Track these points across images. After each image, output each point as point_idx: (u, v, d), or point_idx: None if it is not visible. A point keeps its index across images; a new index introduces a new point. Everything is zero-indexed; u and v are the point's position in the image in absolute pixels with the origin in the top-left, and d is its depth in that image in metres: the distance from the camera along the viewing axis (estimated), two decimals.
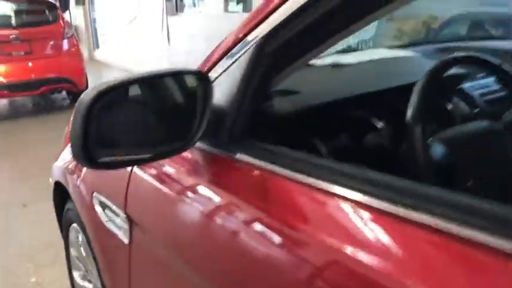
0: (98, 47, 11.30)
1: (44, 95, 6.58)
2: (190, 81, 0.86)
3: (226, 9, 8.03)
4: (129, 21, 9.20)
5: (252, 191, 0.80)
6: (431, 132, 1.09)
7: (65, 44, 6.22)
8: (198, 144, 0.90)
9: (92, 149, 0.76)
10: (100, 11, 10.72)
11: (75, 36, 6.59)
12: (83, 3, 11.35)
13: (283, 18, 0.80)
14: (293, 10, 0.77)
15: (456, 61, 1.13)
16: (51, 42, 6.10)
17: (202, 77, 0.84)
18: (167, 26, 8.07)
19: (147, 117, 0.86)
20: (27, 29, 5.99)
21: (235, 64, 0.86)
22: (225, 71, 0.89)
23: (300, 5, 0.76)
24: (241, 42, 0.86)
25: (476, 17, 3.86)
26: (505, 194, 1.11)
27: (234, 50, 0.88)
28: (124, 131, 0.84)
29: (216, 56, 0.94)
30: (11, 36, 5.85)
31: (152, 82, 0.88)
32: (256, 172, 0.80)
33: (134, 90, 0.84)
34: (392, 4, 0.76)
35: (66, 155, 1.68)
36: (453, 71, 1.30)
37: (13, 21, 6.15)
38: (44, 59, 6.00)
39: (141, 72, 0.85)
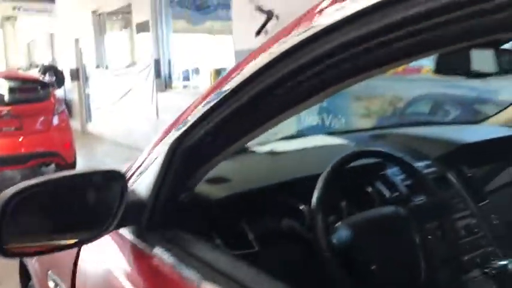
0: (90, 120, 11.61)
1: (33, 169, 6.71)
2: (108, 177, 1.00)
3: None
4: (120, 97, 9.56)
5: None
6: (340, 219, 1.22)
7: (55, 120, 6.46)
8: (124, 231, 1.03)
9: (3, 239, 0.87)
10: (94, 87, 11.14)
11: (66, 111, 6.85)
12: (78, 79, 11.80)
13: (193, 121, 0.90)
14: (200, 114, 0.88)
15: (358, 155, 1.29)
16: (42, 118, 6.34)
17: (117, 174, 0.98)
18: (156, 102, 8.39)
19: (64, 210, 0.97)
20: (19, 106, 6.25)
21: (153, 164, 1.02)
22: (143, 171, 1.05)
23: (207, 108, 0.86)
24: (158, 145, 1.02)
25: (437, 98, 4.13)
26: (408, 278, 1.22)
27: (152, 153, 1.04)
28: (40, 222, 0.96)
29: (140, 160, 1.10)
30: (2, 113, 6.08)
31: (72, 181, 1.00)
32: (165, 268, 0.91)
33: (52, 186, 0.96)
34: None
35: None
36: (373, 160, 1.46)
37: (6, 98, 6.42)
38: (34, 134, 6.21)
39: (62, 173, 1.01)
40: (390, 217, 1.24)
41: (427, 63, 3.48)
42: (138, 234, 1.02)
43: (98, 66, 10.73)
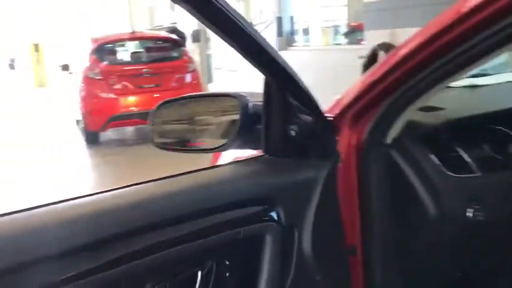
0: (211, 81, 12.06)
1: None
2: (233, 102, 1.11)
3: (332, 43, 8.23)
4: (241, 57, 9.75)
5: None
6: None
7: (188, 77, 6.80)
8: None
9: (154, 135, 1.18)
10: (214, 48, 11.49)
11: (197, 70, 7.17)
12: (199, 41, 12.24)
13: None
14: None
15: None
16: (177, 76, 6.70)
17: (243, 98, 1.10)
18: None
19: (197, 121, 1.22)
20: (157, 64, 6.65)
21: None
22: None
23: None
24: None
25: None
26: None
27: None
28: (179, 127, 1.24)
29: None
30: (143, 70, 6.53)
31: (204, 99, 1.28)
32: None
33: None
34: None
35: None
36: None
37: (145, 57, 6.87)
38: (170, 90, 6.58)
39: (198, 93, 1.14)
40: None
41: None
42: None
43: None
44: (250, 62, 0.96)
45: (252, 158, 1.11)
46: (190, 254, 0.87)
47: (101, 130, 6.65)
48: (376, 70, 1.14)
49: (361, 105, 1.17)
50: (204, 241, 0.87)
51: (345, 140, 1.19)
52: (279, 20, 8.42)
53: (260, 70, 1.01)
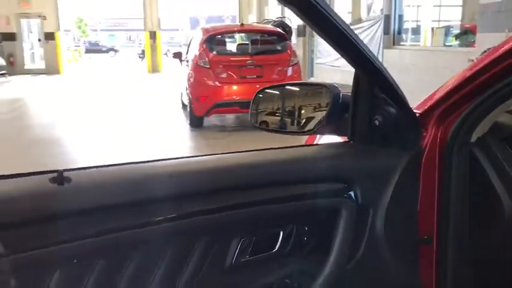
0: (312, 75, 12.17)
1: None
2: (326, 89, 1.25)
3: (443, 43, 7.90)
4: None
5: None
6: None
7: (289, 71, 6.97)
8: None
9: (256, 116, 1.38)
10: (317, 43, 11.55)
11: (299, 64, 7.32)
12: (304, 35, 12.38)
13: None
14: None
15: None
16: (278, 68, 6.91)
17: (334, 88, 1.22)
18: (382, 58, 8.32)
19: (292, 107, 1.40)
20: (260, 56, 6.92)
21: None
22: None
23: None
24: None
25: None
26: None
27: None
28: (275, 112, 1.41)
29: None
30: (247, 62, 6.83)
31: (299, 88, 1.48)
32: None
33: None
34: None
35: None
36: None
37: (250, 49, 7.17)
38: (271, 82, 6.82)
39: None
40: None
41: None
42: None
43: None
44: (343, 56, 1.08)
45: (338, 142, 1.24)
46: (277, 215, 1.03)
47: (205, 115, 7.06)
48: (467, 71, 1.21)
49: (449, 103, 1.24)
50: (288, 205, 1.02)
51: (431, 135, 1.27)
52: (387, 18, 8.28)
53: (352, 64, 1.13)
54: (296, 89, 1.57)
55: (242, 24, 8.11)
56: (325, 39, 1.06)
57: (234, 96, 6.81)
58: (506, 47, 1.10)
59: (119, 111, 9.06)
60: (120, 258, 0.88)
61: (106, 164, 0.93)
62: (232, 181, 1.00)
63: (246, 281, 1.02)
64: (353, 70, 1.18)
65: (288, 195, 1.03)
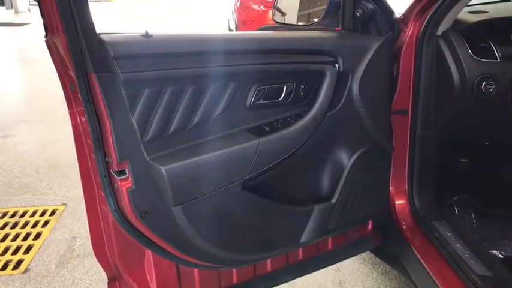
0: None
1: None
2: None
3: None
4: None
5: None
6: None
7: None
8: None
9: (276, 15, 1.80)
10: None
11: None
12: None
13: None
14: None
15: None
16: None
17: None
18: None
19: None
20: None
21: None
22: None
23: None
24: None
25: None
26: None
27: None
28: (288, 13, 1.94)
29: None
30: None
31: None
32: None
33: None
34: None
35: None
36: None
37: None
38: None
39: None
40: None
41: None
42: None
43: None
44: None
45: (332, 30, 1.74)
46: (282, 72, 1.54)
47: None
48: None
49: (422, 4, 1.66)
50: (291, 66, 1.53)
51: (410, 30, 1.73)
52: None
53: None
54: None
55: None
56: None
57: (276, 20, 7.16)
58: None
59: None
60: (180, 88, 1.33)
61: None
62: (257, 46, 1.45)
63: (260, 116, 1.55)
64: None
65: (291, 60, 1.53)
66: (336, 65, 1.57)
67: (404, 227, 1.80)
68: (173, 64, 1.29)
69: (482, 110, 1.71)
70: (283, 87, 1.56)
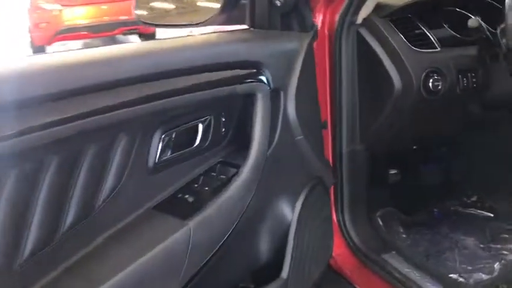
0: None
1: (114, 39, 6.95)
2: None
3: None
4: None
5: None
6: None
7: None
8: None
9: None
10: None
11: None
12: None
13: None
14: None
15: None
16: None
17: None
18: None
19: None
20: None
21: None
22: None
23: None
24: None
25: None
26: None
27: None
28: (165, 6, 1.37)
29: None
30: None
31: None
32: None
33: None
34: None
35: None
36: None
37: None
38: (119, 2, 6.36)
39: None
40: None
41: None
42: None
43: None
44: None
45: (238, 29, 1.22)
46: (191, 107, 0.99)
47: (48, 44, 6.44)
48: None
49: None
50: (202, 93, 0.97)
51: (319, 20, 1.30)
52: None
53: None
54: None
55: None
56: None
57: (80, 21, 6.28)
58: None
59: None
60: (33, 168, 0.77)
61: None
62: (146, 67, 0.89)
63: (172, 179, 0.99)
64: None
65: (201, 83, 0.98)
66: (264, 79, 1.08)
67: (347, 272, 1.42)
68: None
69: (423, 112, 1.42)
70: (198, 126, 1.01)
